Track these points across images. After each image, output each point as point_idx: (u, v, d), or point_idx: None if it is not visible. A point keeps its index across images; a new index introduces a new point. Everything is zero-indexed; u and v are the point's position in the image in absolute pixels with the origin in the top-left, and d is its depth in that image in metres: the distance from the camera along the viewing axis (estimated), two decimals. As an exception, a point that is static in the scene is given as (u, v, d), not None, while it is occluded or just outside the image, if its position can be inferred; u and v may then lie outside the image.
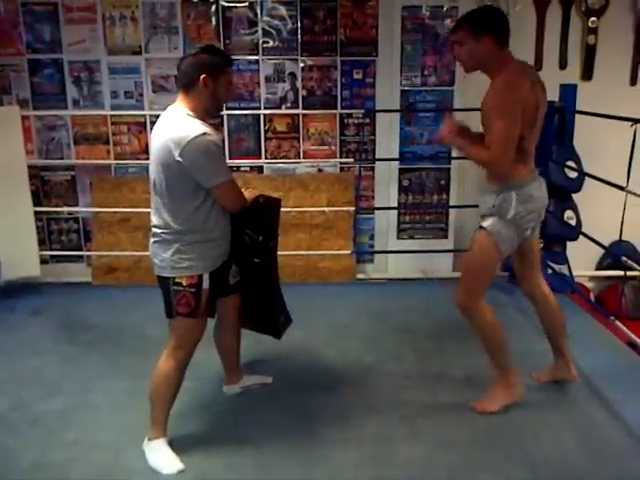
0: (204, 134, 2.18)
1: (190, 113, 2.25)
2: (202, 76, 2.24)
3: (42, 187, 4.49)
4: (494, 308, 2.65)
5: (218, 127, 4.08)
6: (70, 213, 4.55)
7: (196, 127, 2.19)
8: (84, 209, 4.52)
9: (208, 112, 2.33)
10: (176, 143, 2.16)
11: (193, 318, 2.35)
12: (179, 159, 2.16)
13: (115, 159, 4.46)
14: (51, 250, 4.56)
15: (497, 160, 2.42)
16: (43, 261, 4.39)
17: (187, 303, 2.32)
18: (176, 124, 2.22)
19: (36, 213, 4.28)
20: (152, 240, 2.35)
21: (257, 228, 2.55)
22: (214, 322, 2.69)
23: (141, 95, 4.37)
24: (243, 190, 2.44)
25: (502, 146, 2.39)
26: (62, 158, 4.46)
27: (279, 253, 2.73)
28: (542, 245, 4.27)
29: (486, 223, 2.54)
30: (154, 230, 2.34)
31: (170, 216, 2.27)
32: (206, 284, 2.34)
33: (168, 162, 2.19)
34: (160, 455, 2.38)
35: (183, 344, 2.38)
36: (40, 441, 2.55)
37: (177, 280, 2.31)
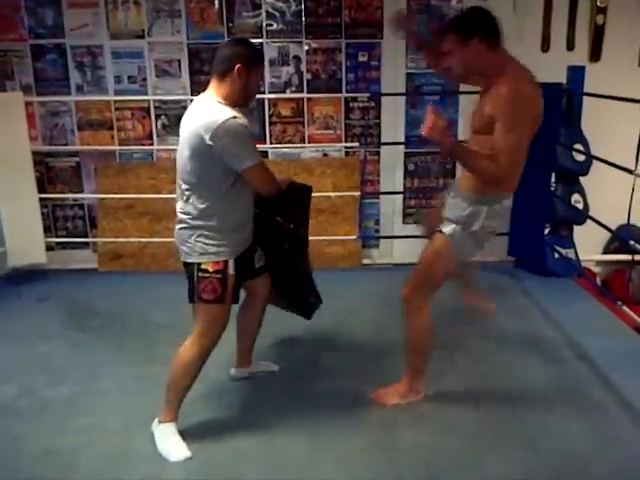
0: (234, 117, 2.19)
1: (220, 100, 2.26)
2: (237, 65, 2.25)
3: (47, 173, 4.48)
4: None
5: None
6: (75, 200, 4.55)
7: (225, 111, 2.21)
8: (89, 195, 4.51)
9: (237, 102, 2.32)
10: (206, 128, 2.17)
11: (220, 304, 2.35)
12: (210, 143, 2.17)
13: (119, 145, 4.45)
14: (57, 237, 4.56)
15: (504, 176, 2.23)
16: (49, 248, 4.38)
17: (213, 289, 2.32)
18: (206, 110, 2.24)
19: (41, 200, 4.27)
20: (178, 227, 2.36)
21: (288, 215, 2.55)
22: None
23: (144, 80, 4.34)
24: None
25: (512, 162, 2.21)
26: (66, 144, 4.45)
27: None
28: (549, 229, 4.26)
29: (447, 229, 2.43)
30: (180, 216, 2.34)
31: (197, 202, 2.28)
32: (232, 269, 2.35)
33: (199, 147, 2.20)
34: (169, 441, 2.39)
35: (210, 331, 2.37)
36: (48, 427, 2.57)
37: (203, 266, 2.31)
